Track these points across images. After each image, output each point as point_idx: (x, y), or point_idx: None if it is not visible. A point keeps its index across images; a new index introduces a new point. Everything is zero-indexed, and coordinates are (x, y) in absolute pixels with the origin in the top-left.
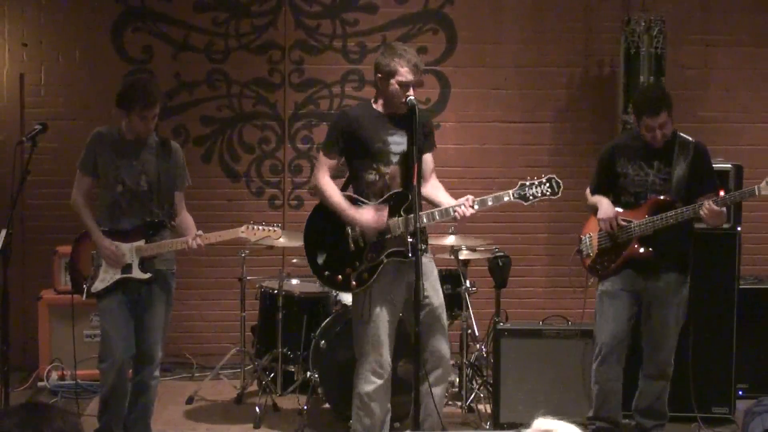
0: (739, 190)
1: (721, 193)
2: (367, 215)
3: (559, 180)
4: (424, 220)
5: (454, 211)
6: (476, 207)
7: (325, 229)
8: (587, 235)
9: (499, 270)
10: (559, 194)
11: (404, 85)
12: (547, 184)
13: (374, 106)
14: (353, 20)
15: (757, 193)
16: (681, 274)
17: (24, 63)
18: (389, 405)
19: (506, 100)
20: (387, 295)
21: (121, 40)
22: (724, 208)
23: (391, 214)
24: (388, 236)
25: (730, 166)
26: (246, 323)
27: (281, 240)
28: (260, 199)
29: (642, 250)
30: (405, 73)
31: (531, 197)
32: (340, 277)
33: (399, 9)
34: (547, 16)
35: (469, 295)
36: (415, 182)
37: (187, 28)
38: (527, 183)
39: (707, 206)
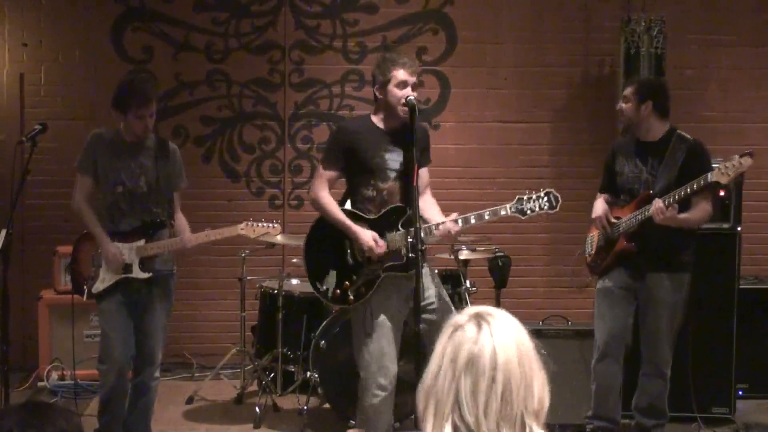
0: (692, 181)
1: (721, 193)
2: (368, 237)
3: (557, 194)
4: (422, 234)
5: (437, 228)
6: (467, 224)
7: (324, 242)
8: (590, 236)
9: (499, 270)
10: (557, 209)
11: (402, 84)
12: (545, 198)
13: (373, 119)
14: (353, 20)
15: (709, 180)
16: (675, 275)
17: (24, 63)
18: (392, 414)
19: (506, 100)
20: (388, 307)
21: (121, 40)
22: (688, 215)
23: (388, 229)
24: (386, 251)
25: None
26: (246, 323)
27: (279, 237)
28: (260, 199)
29: (626, 244)
30: (400, 75)
31: (528, 211)
32: (338, 291)
33: (399, 9)
34: (547, 15)
35: (469, 295)
36: (415, 183)
37: (187, 28)
38: (525, 197)
39: (655, 204)
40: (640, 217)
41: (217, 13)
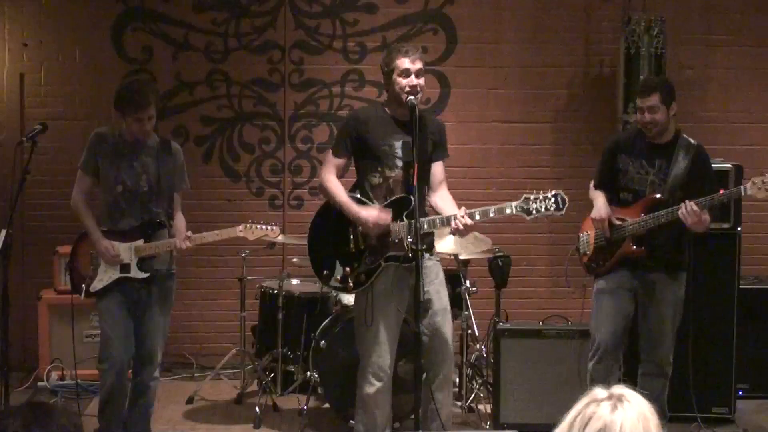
0: (726, 191)
1: (720, 191)
2: (371, 213)
3: (565, 196)
4: (426, 226)
5: (454, 220)
6: (471, 219)
7: (327, 229)
8: (585, 233)
9: (499, 270)
10: (564, 211)
11: (405, 73)
12: (552, 200)
13: (386, 108)
14: (353, 20)
15: (743, 194)
16: (676, 273)
17: (24, 63)
18: (390, 409)
19: (506, 100)
20: (389, 299)
21: (121, 40)
22: (707, 216)
23: (393, 218)
24: (389, 240)
25: (730, 166)
26: (246, 323)
27: (279, 237)
28: (260, 199)
29: (635, 248)
30: (402, 63)
31: (534, 211)
32: (338, 277)
33: (399, 9)
34: (547, 16)
35: (469, 295)
36: (415, 183)
37: (187, 28)
38: (531, 197)
39: (687, 205)
40: (651, 221)
41: (217, 13)
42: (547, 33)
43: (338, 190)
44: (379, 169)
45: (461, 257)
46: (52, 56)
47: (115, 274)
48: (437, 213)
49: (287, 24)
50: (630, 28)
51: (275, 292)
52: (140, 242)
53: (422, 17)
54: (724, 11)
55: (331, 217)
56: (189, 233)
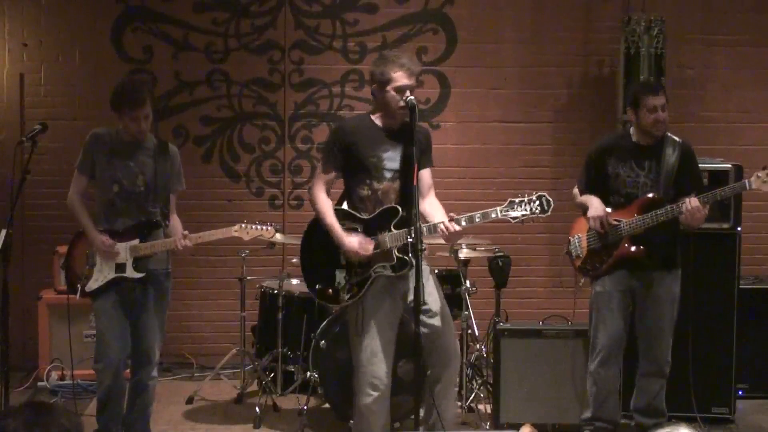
0: (730, 185)
1: None
2: (353, 243)
3: (549, 198)
4: (413, 234)
5: (433, 231)
6: (458, 226)
7: (319, 242)
8: (576, 236)
9: (499, 270)
10: (549, 212)
11: (401, 90)
12: (537, 202)
13: (372, 118)
14: (353, 20)
15: (748, 188)
16: (672, 271)
17: (24, 63)
18: (388, 416)
19: (506, 100)
20: (381, 308)
21: (121, 40)
22: (706, 210)
23: (381, 230)
24: (377, 251)
25: (730, 166)
26: (246, 323)
27: (278, 236)
28: (260, 199)
29: (634, 249)
30: (400, 78)
31: (519, 215)
32: (330, 290)
33: (399, 9)
34: (547, 16)
35: (469, 295)
36: (415, 182)
37: (187, 28)
38: (516, 200)
39: (690, 201)
40: (649, 221)
41: (217, 13)
42: (547, 33)
43: (326, 211)
44: (367, 181)
45: (461, 257)
46: (52, 56)
47: (110, 274)
48: (426, 219)
49: (287, 24)
50: (630, 28)
51: (275, 292)
52: (136, 242)
53: (422, 17)
54: (724, 11)
55: (322, 230)
56: (186, 232)
